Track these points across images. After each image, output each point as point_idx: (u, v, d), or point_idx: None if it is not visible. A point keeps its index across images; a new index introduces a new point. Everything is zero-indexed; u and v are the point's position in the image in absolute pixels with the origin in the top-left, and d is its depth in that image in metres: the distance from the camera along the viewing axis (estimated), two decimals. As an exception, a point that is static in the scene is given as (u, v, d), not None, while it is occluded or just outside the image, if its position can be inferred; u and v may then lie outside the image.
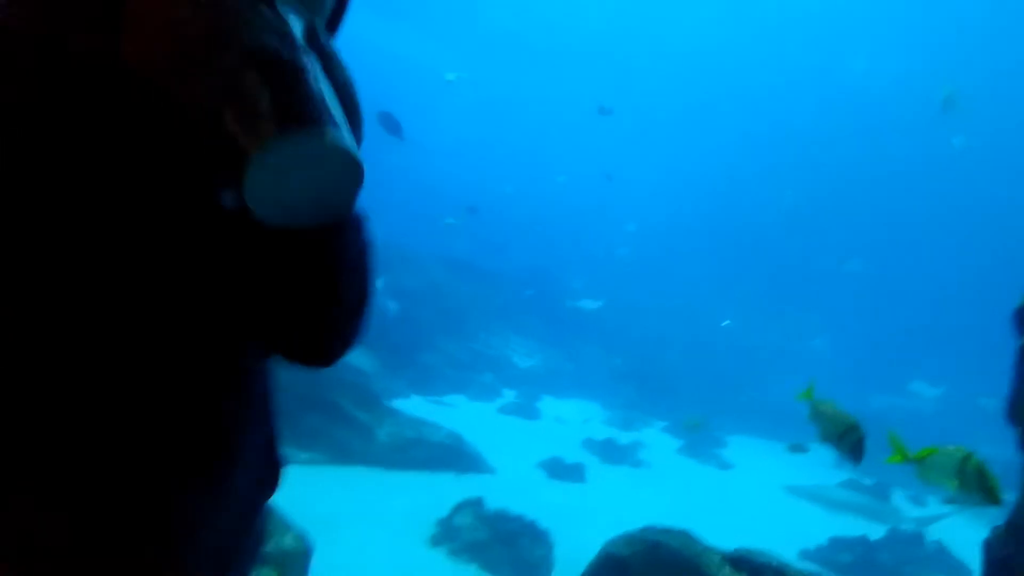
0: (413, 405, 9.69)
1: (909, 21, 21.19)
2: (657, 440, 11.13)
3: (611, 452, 9.27)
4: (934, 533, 7.04)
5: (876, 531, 7.04)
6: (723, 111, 26.79)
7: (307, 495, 5.60)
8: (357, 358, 10.35)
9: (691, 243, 25.02)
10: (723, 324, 19.37)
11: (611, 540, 2.76)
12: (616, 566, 2.57)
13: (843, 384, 15.98)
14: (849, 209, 23.58)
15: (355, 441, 6.78)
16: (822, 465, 11.15)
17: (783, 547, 5.61)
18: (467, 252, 15.91)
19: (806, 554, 6.45)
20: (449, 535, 5.34)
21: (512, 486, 7.01)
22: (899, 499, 9.12)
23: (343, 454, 6.60)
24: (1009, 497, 2.66)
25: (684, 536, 2.64)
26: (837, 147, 23.42)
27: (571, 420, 11.31)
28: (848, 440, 2.88)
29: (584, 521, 6.17)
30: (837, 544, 6.53)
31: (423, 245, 15.92)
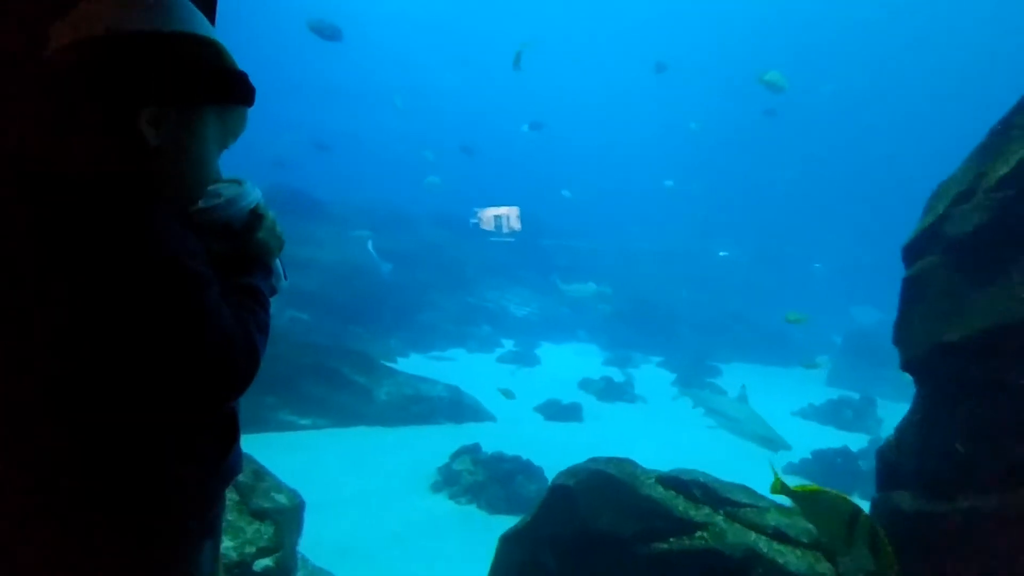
0: (413, 363, 10.01)
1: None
2: (653, 375, 11.49)
3: (607, 390, 9.61)
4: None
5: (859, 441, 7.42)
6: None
7: (310, 457, 5.96)
8: (355, 324, 10.62)
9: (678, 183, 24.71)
10: (720, 255, 19.54)
11: (559, 473, 3.04)
12: (564, 495, 2.84)
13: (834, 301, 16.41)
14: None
15: (356, 404, 7.11)
16: (815, 382, 11.52)
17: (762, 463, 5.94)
18: (454, 207, 15.90)
19: (790, 467, 6.82)
20: (449, 480, 5.70)
21: (510, 431, 7.36)
22: (883, 411, 9.43)
23: (345, 417, 6.94)
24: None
25: (625, 463, 2.91)
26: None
27: (569, 364, 11.64)
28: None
29: (578, 456, 6.48)
30: (820, 455, 6.89)
31: (410, 204, 15.96)
